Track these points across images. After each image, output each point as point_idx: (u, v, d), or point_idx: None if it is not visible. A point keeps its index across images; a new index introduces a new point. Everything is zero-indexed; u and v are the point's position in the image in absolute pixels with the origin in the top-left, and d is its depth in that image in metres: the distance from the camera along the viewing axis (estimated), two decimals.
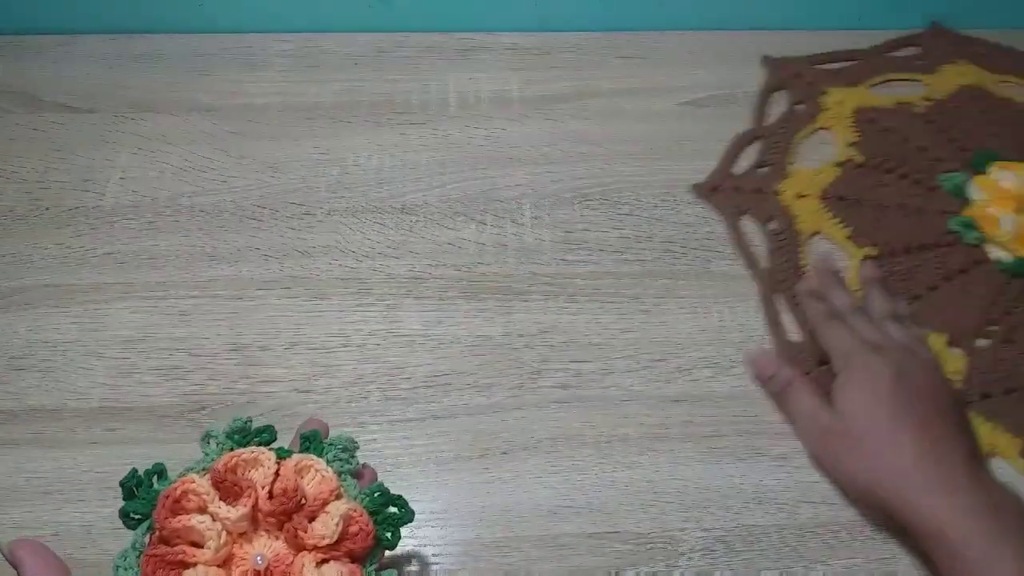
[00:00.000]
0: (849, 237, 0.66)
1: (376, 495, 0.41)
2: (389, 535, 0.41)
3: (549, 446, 0.56)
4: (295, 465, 0.40)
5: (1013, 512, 0.45)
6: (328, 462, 0.42)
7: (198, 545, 0.38)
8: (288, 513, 0.39)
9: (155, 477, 0.41)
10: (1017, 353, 0.61)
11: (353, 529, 0.39)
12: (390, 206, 0.68)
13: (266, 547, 0.39)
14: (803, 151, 0.72)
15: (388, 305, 0.62)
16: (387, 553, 0.42)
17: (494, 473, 0.55)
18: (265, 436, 0.43)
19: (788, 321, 0.63)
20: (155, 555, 0.37)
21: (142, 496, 0.40)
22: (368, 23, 0.80)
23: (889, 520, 0.48)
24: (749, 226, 0.68)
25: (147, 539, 0.39)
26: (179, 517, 0.38)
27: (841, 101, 0.75)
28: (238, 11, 0.80)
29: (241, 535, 0.39)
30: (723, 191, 0.68)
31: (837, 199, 0.68)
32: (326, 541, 0.38)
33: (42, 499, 0.51)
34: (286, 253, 0.64)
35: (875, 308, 0.58)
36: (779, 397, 0.55)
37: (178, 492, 0.38)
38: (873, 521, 0.51)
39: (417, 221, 0.67)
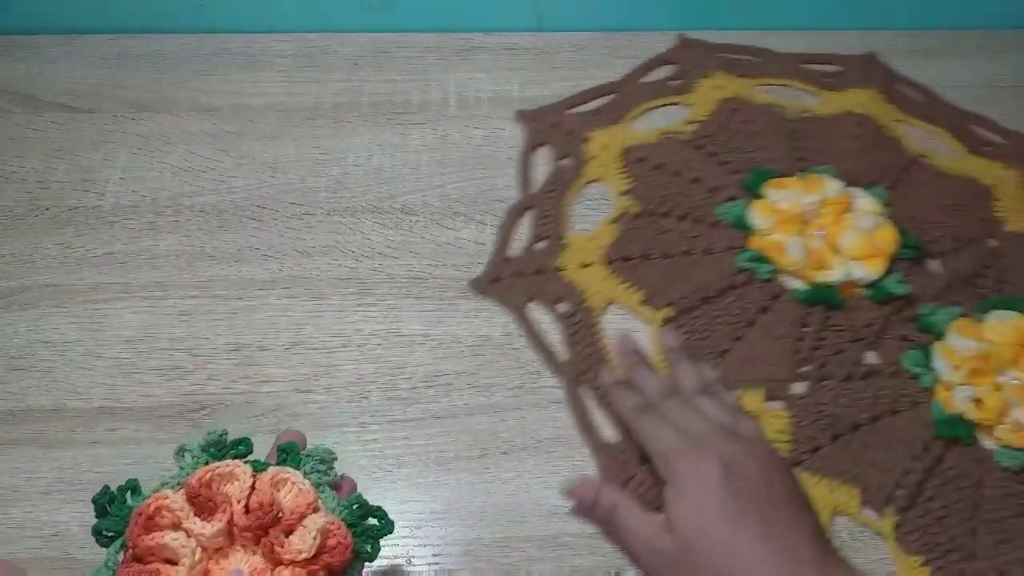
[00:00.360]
0: (643, 301, 0.61)
1: (355, 507, 0.41)
2: (369, 547, 0.40)
3: (549, 446, 0.56)
4: (271, 478, 0.40)
5: None
6: (305, 474, 0.41)
7: (172, 562, 0.38)
8: (265, 527, 0.38)
9: (128, 493, 0.40)
10: (836, 393, 0.57)
11: (331, 542, 0.38)
12: (390, 206, 0.68)
13: (243, 562, 0.38)
14: (579, 211, 0.67)
15: (388, 305, 0.62)
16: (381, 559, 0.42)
17: (494, 473, 0.55)
18: (241, 449, 0.42)
19: (602, 416, 0.58)
20: (128, 573, 0.36)
21: (115, 513, 0.39)
22: (368, 23, 0.81)
23: None
24: (540, 314, 0.62)
25: (120, 557, 0.39)
26: (152, 534, 0.37)
27: (606, 145, 0.71)
28: (238, 11, 0.80)
29: (217, 551, 0.38)
30: (504, 280, 0.62)
31: (622, 260, 0.63)
32: (304, 555, 0.37)
33: (42, 499, 0.51)
34: (286, 253, 0.64)
35: (684, 385, 0.54)
36: (607, 527, 0.49)
37: (151, 509, 0.38)
38: None
39: (417, 221, 0.67)
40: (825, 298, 0.61)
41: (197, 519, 0.38)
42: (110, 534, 0.39)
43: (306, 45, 0.79)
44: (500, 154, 0.72)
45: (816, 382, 0.58)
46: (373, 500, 0.48)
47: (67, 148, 0.70)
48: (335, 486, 0.43)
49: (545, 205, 0.68)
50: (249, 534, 0.38)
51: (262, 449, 0.47)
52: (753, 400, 0.57)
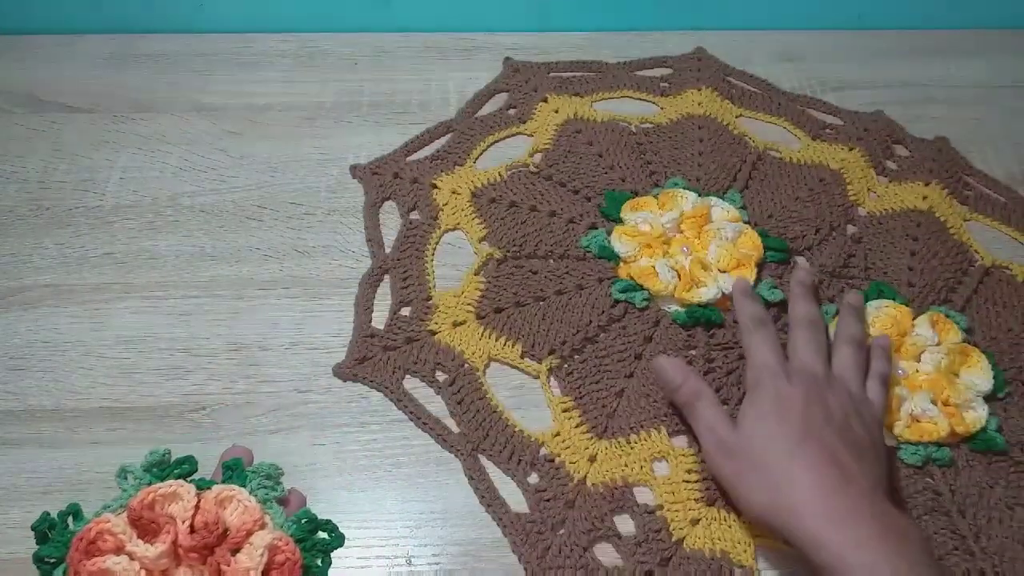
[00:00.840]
0: (524, 353, 0.57)
1: (303, 521, 0.41)
2: (319, 561, 0.40)
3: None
4: (216, 496, 0.39)
5: (914, 540, 0.43)
6: (251, 491, 0.41)
7: None
8: (211, 546, 0.38)
9: (70, 518, 0.39)
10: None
11: (279, 559, 0.38)
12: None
13: None
14: (440, 266, 0.63)
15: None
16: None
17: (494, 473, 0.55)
18: (185, 467, 0.42)
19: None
20: None
21: (56, 539, 0.38)
22: (368, 23, 0.81)
23: (788, 544, 0.46)
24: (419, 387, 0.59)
25: None
26: (94, 560, 0.36)
27: (455, 190, 0.68)
28: (238, 11, 0.80)
29: (163, 572, 0.38)
30: (372, 358, 0.57)
31: (495, 312, 0.59)
32: (252, 573, 0.37)
33: (42, 499, 0.51)
34: (286, 253, 0.64)
35: (841, 330, 0.55)
36: (686, 408, 0.52)
37: (92, 533, 0.37)
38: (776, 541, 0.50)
39: None
40: (704, 318, 0.60)
41: (141, 541, 0.37)
42: (51, 561, 0.38)
43: (306, 45, 0.80)
44: (500, 153, 0.72)
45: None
46: (374, 502, 0.48)
47: (67, 148, 0.70)
48: (283, 501, 0.42)
49: (403, 266, 0.63)
50: (195, 554, 0.38)
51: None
52: (657, 441, 0.54)
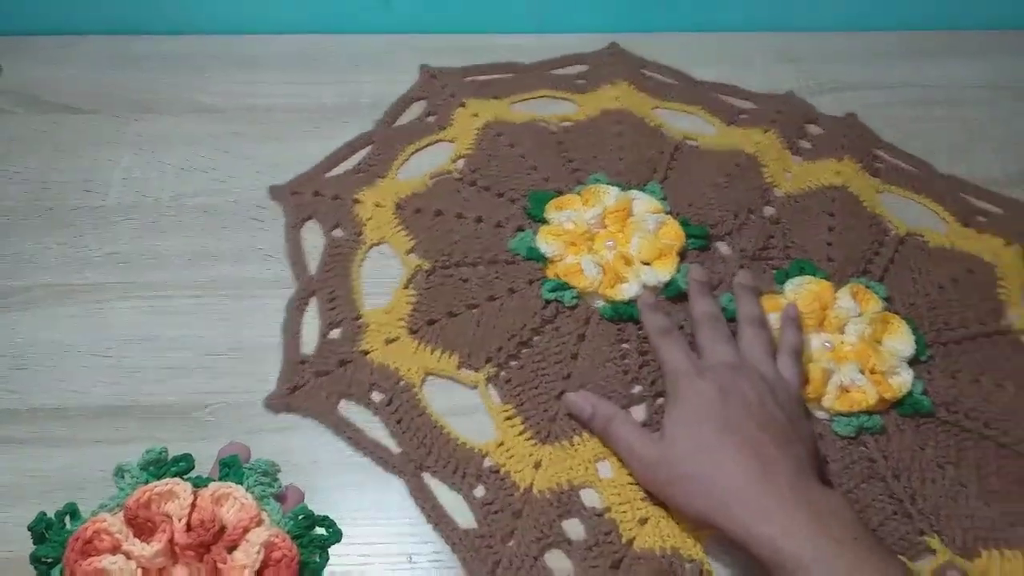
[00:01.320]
0: (461, 364, 0.52)
1: (300, 518, 0.37)
2: (316, 557, 0.37)
3: None
4: (212, 494, 0.36)
5: (842, 518, 0.40)
6: (248, 488, 0.37)
7: None
8: (207, 544, 0.35)
9: (67, 518, 0.36)
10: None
11: (276, 555, 0.35)
12: None
13: None
14: (368, 283, 0.57)
15: None
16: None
17: None
18: (182, 465, 0.38)
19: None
20: None
21: (53, 539, 0.35)
22: (368, 23, 0.72)
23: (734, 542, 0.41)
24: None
25: None
26: (90, 559, 0.34)
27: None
28: (238, 11, 0.71)
29: (161, 571, 0.35)
30: (305, 386, 0.52)
31: (427, 325, 0.53)
32: (248, 570, 0.34)
33: (44, 499, 0.46)
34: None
35: (741, 312, 0.52)
36: (603, 435, 0.48)
37: (88, 533, 0.34)
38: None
39: None
40: (627, 315, 0.53)
41: (137, 540, 0.35)
42: (48, 561, 0.35)
43: (307, 46, 0.71)
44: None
45: (652, 402, 0.50)
46: (376, 499, 0.49)
47: (69, 148, 0.63)
48: (280, 498, 0.39)
49: (329, 286, 0.55)
50: (192, 552, 0.35)
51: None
52: (600, 442, 0.48)
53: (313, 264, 0.56)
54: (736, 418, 0.43)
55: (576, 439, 0.48)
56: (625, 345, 0.52)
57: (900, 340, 0.52)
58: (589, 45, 0.71)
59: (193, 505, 0.36)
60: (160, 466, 0.38)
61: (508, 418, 0.49)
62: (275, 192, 0.60)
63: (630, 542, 0.45)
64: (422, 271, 0.55)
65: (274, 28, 0.71)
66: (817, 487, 0.41)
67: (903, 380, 0.51)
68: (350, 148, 0.63)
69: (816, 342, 0.51)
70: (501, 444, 0.48)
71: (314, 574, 0.37)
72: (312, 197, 0.60)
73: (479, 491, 0.46)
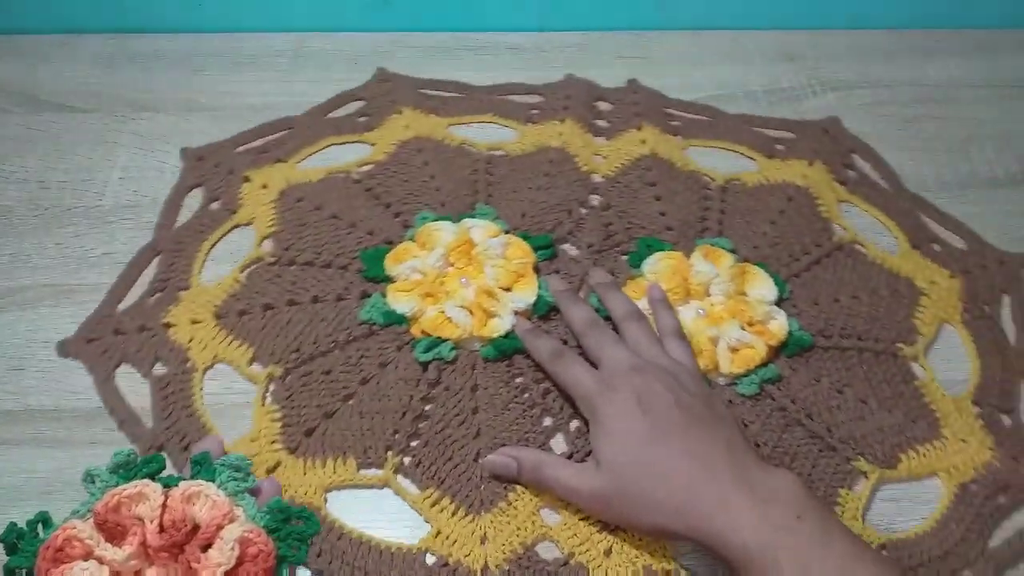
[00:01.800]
0: (253, 359, 0.50)
1: (276, 511, 0.37)
2: (295, 551, 0.36)
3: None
4: (183, 493, 0.36)
5: (782, 501, 0.40)
6: (221, 484, 0.37)
7: None
8: (180, 544, 0.34)
9: (40, 526, 0.36)
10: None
11: (252, 551, 0.35)
12: None
13: None
14: (217, 259, 0.55)
15: None
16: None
17: None
18: (153, 466, 0.38)
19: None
20: None
21: (25, 549, 0.35)
22: (368, 23, 0.71)
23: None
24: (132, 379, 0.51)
25: None
26: (61, 567, 0.34)
27: (265, 185, 0.58)
28: (237, 11, 0.70)
29: (136, 574, 0.35)
30: (100, 339, 0.50)
31: (239, 314, 0.51)
32: (223, 568, 0.34)
33: (42, 499, 0.46)
34: None
35: (615, 312, 0.51)
36: (537, 484, 0.46)
37: (59, 541, 0.34)
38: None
39: None
40: (511, 348, 0.51)
41: (109, 545, 0.34)
42: (23, 571, 0.35)
43: (305, 45, 0.70)
44: None
45: (567, 428, 0.50)
46: (377, 498, 0.48)
47: (67, 148, 0.62)
48: (254, 492, 0.38)
49: (176, 251, 0.54)
50: (166, 553, 0.35)
51: None
52: (535, 492, 0.45)
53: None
54: (660, 423, 0.43)
55: (511, 496, 0.46)
56: (520, 379, 0.50)
57: (762, 286, 0.54)
58: (589, 44, 0.72)
59: (164, 506, 0.36)
60: (130, 468, 0.37)
61: (434, 503, 0.45)
62: (186, 153, 0.61)
63: None
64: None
65: (273, 27, 0.70)
66: (758, 469, 0.41)
67: (780, 323, 0.52)
68: (271, 128, 0.61)
69: (689, 313, 0.52)
70: (438, 534, 0.45)
71: (293, 568, 0.36)
72: (213, 167, 0.57)
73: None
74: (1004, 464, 0.48)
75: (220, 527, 0.35)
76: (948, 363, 0.53)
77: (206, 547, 0.35)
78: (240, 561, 0.35)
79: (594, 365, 0.47)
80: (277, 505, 0.37)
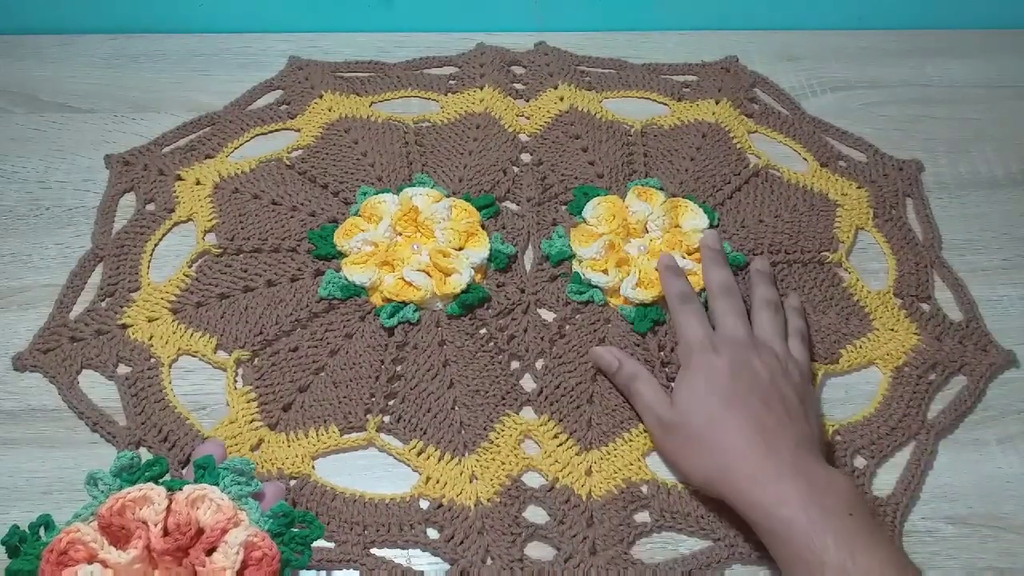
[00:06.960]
0: (218, 346, 0.51)
1: (280, 516, 0.37)
2: (298, 554, 0.37)
3: None
4: (187, 497, 0.36)
5: (837, 492, 0.41)
6: (224, 488, 0.37)
7: None
8: (185, 548, 0.35)
9: (42, 529, 0.35)
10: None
11: (256, 555, 0.35)
12: None
13: None
14: (161, 256, 0.56)
15: None
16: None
17: None
18: (156, 470, 0.37)
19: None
20: None
21: (28, 551, 0.34)
22: (368, 23, 0.71)
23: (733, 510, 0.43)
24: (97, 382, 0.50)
25: None
26: (65, 571, 0.33)
27: (198, 181, 0.58)
28: (238, 11, 0.70)
29: None
30: (57, 348, 0.51)
31: (195, 307, 0.52)
32: (228, 572, 0.34)
33: (42, 499, 0.46)
34: None
35: (755, 294, 0.53)
36: (626, 389, 0.49)
37: (63, 544, 0.34)
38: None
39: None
40: (474, 301, 0.53)
41: (113, 549, 0.34)
42: (24, 574, 0.34)
43: (306, 45, 0.69)
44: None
45: (534, 367, 0.52)
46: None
47: (67, 148, 0.61)
48: (258, 496, 0.38)
49: (120, 256, 0.55)
50: (170, 557, 0.34)
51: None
52: (519, 421, 0.49)
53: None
54: (743, 393, 0.45)
55: (492, 435, 0.48)
56: (483, 330, 0.52)
57: (694, 217, 0.57)
58: (589, 44, 0.72)
59: (168, 509, 0.36)
60: (133, 471, 0.37)
61: (420, 452, 0.47)
62: (109, 160, 0.59)
63: (589, 496, 0.46)
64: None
65: (274, 28, 0.70)
66: (818, 464, 0.43)
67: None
68: (194, 126, 0.62)
69: (633, 250, 0.54)
70: (428, 480, 0.46)
71: (296, 571, 0.36)
72: (141, 170, 0.59)
73: (432, 533, 0.45)
74: (930, 345, 0.52)
75: (224, 531, 0.35)
76: (868, 264, 0.57)
77: (210, 551, 0.35)
78: (244, 565, 0.35)
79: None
80: (281, 509, 0.37)
